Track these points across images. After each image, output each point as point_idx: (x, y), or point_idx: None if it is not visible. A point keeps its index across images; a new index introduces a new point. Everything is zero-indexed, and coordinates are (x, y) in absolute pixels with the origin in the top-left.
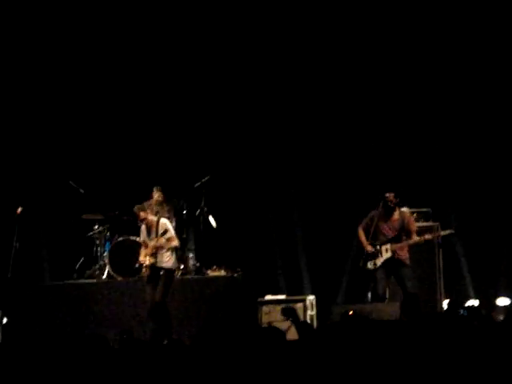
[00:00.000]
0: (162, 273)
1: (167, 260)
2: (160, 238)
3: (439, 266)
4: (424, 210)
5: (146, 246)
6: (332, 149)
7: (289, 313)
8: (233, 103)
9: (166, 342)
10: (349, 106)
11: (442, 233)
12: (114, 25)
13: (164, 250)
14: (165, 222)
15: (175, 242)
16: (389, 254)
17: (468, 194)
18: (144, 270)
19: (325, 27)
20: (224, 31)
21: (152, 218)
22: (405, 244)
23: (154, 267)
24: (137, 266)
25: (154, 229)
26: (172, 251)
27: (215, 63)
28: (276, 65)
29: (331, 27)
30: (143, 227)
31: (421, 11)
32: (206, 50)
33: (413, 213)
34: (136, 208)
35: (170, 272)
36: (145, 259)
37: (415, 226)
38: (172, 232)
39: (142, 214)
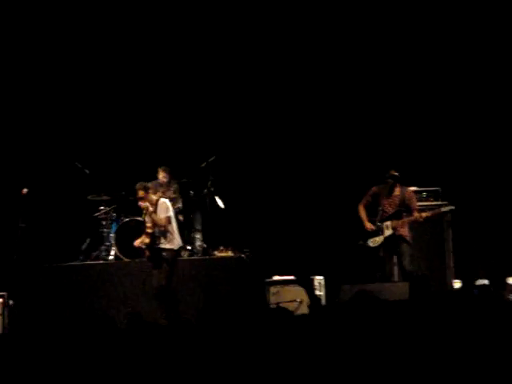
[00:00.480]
0: (164, 254)
1: (167, 240)
2: (154, 216)
3: (449, 244)
4: (433, 188)
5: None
6: (339, 126)
7: (304, 282)
8: (239, 81)
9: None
10: (358, 82)
11: (442, 209)
12: (119, 12)
13: (163, 230)
14: (164, 201)
15: (161, 222)
16: (390, 231)
17: (479, 172)
18: (145, 251)
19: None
20: (231, 19)
21: (152, 196)
22: (405, 221)
23: (153, 248)
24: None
25: (153, 208)
26: (171, 229)
27: (225, 46)
28: (285, 47)
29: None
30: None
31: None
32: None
33: (422, 191)
34: (138, 185)
35: (172, 253)
36: (141, 240)
37: (416, 203)
38: (167, 213)
39: (141, 193)
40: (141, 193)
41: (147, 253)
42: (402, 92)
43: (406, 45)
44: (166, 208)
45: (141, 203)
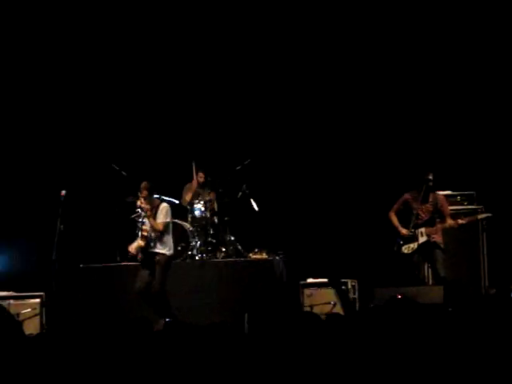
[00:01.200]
0: (157, 259)
1: (162, 245)
2: (151, 221)
3: (483, 249)
4: (468, 192)
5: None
6: (375, 130)
7: (335, 284)
8: (274, 86)
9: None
10: (392, 86)
11: (479, 216)
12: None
13: (159, 234)
14: (165, 206)
15: (157, 227)
16: (424, 238)
17: None
18: (138, 254)
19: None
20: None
21: (154, 200)
22: (439, 228)
23: (147, 252)
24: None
25: (152, 212)
26: (165, 235)
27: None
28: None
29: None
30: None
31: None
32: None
33: (456, 195)
34: (144, 184)
35: (165, 258)
36: (136, 244)
37: (449, 208)
38: (166, 218)
39: (145, 193)
40: (145, 193)
41: (140, 256)
42: (437, 95)
43: (440, 45)
44: (166, 213)
45: (142, 204)
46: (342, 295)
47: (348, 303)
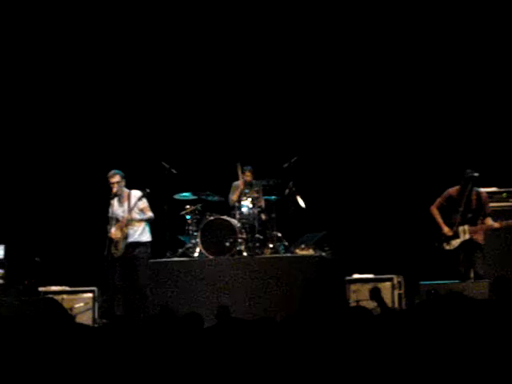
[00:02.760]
0: (136, 251)
1: (141, 233)
2: (132, 212)
3: None
4: None
5: (117, 221)
6: (419, 127)
7: (375, 295)
8: (321, 85)
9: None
10: (434, 84)
11: None
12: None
13: (137, 224)
14: (137, 192)
15: (150, 213)
16: (467, 236)
17: None
18: (115, 245)
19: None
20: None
21: (124, 189)
22: (481, 228)
23: (127, 243)
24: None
25: (125, 201)
26: (146, 224)
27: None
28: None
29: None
30: (114, 201)
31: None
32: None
33: (502, 192)
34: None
35: (145, 248)
36: (115, 234)
37: (490, 208)
38: (146, 203)
39: (115, 179)
40: (123, 182)
41: (120, 248)
42: (479, 91)
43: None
44: (142, 198)
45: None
46: (383, 307)
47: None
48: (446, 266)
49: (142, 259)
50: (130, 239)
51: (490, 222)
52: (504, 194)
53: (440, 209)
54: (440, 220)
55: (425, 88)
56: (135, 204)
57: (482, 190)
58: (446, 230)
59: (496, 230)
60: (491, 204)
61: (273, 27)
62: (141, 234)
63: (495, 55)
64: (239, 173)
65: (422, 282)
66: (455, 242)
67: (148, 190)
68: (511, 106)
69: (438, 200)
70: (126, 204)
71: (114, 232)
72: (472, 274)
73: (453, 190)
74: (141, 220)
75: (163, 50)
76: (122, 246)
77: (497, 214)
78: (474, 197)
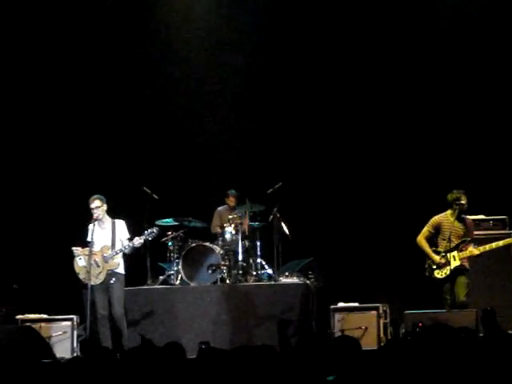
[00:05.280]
0: (113, 280)
1: (118, 264)
2: (115, 243)
3: None
4: (500, 217)
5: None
6: (403, 155)
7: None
8: (306, 111)
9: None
10: (422, 108)
11: (501, 243)
12: None
13: (117, 255)
14: (123, 224)
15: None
16: (457, 262)
17: None
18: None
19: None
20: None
21: (106, 216)
22: (470, 253)
23: (106, 273)
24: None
25: (108, 229)
26: (121, 256)
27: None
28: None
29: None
30: (94, 227)
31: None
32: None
33: (489, 220)
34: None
35: (122, 278)
36: (98, 262)
37: (473, 234)
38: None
39: (96, 204)
40: (105, 207)
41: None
42: (467, 118)
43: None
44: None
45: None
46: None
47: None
48: (430, 295)
49: (119, 288)
50: (110, 269)
51: (471, 248)
52: (491, 222)
53: (427, 237)
54: (429, 249)
55: (407, 118)
56: (137, 240)
57: (469, 217)
58: (436, 258)
59: (477, 256)
60: (478, 232)
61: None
62: (119, 265)
63: (480, 81)
64: (228, 198)
65: (406, 312)
66: (446, 270)
67: (158, 230)
68: (500, 134)
69: (425, 229)
70: (108, 232)
71: (97, 259)
72: (457, 301)
73: (439, 217)
74: (121, 251)
75: (143, 71)
76: (103, 275)
77: (483, 242)
78: (461, 223)
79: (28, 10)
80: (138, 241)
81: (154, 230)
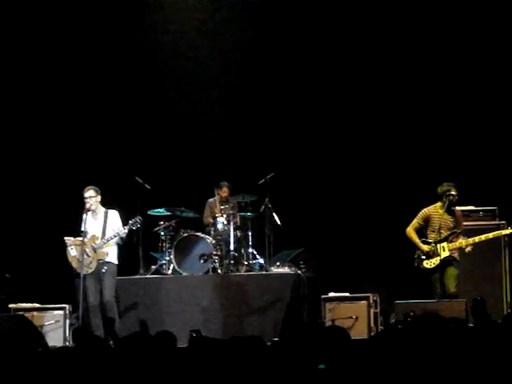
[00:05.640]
0: (105, 269)
1: (111, 253)
2: (106, 233)
3: (505, 266)
4: (490, 208)
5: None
6: (394, 146)
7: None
8: (296, 101)
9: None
10: (416, 99)
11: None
12: None
13: (109, 244)
14: (116, 214)
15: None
16: (446, 253)
17: None
18: (88, 264)
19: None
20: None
21: (100, 206)
22: (456, 245)
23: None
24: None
25: (101, 219)
26: (115, 244)
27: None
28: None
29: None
30: (87, 216)
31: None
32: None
33: (478, 211)
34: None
35: (114, 267)
36: (88, 251)
37: (463, 226)
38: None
39: (89, 193)
40: (99, 198)
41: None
42: (458, 109)
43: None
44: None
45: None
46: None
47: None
48: (420, 285)
49: (110, 278)
50: (102, 258)
51: (461, 240)
52: (481, 213)
53: (417, 229)
54: (417, 240)
55: (397, 108)
56: (121, 230)
57: (458, 208)
58: (424, 248)
59: (466, 247)
60: (467, 222)
61: (250, 42)
62: (111, 255)
63: (476, 78)
64: (220, 188)
65: (397, 301)
66: (435, 260)
67: (141, 219)
68: (491, 125)
69: (415, 221)
70: (101, 222)
71: (87, 250)
72: (447, 292)
73: (428, 209)
74: (113, 241)
75: (135, 62)
76: (94, 264)
77: (473, 233)
78: (451, 214)
79: (28, 9)
80: (123, 231)
81: (137, 220)
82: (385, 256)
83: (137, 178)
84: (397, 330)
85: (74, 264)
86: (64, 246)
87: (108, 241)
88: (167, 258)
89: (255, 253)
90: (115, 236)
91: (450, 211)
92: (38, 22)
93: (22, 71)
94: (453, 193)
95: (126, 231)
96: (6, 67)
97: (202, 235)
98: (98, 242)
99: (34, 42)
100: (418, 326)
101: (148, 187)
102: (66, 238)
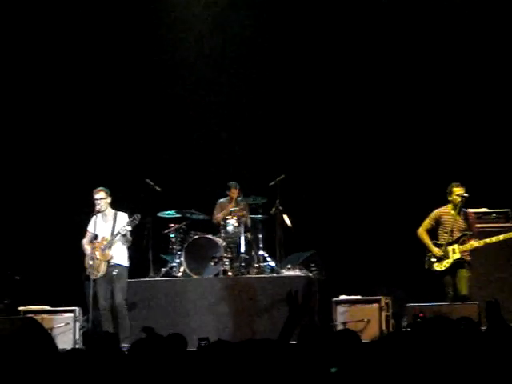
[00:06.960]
0: (116, 272)
1: (120, 255)
2: (115, 235)
3: None
4: (503, 210)
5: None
6: (406, 149)
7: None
8: (308, 103)
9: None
10: (425, 104)
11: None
12: None
13: (117, 245)
14: (125, 216)
15: (130, 238)
16: (457, 255)
17: None
18: (96, 267)
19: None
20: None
21: (109, 208)
22: (468, 247)
23: (108, 265)
24: (90, 263)
25: (110, 221)
26: (125, 246)
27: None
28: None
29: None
30: (97, 218)
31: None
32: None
33: (491, 213)
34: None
35: (124, 269)
36: (97, 254)
37: (475, 227)
38: (131, 228)
39: (100, 195)
40: (109, 199)
41: (104, 268)
42: (471, 112)
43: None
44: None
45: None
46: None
47: None
48: (433, 288)
49: (121, 280)
50: (105, 260)
51: (473, 241)
52: (493, 216)
53: (428, 230)
54: (429, 242)
55: (409, 110)
56: (121, 228)
57: (470, 210)
58: (435, 250)
59: (494, 244)
60: (480, 225)
61: (253, 43)
62: (121, 257)
63: (481, 79)
64: (231, 190)
65: (408, 304)
66: (446, 263)
67: (139, 216)
68: (505, 128)
69: (426, 221)
70: (110, 224)
71: (96, 253)
72: (459, 295)
73: (440, 211)
74: (117, 241)
75: (144, 65)
76: (103, 267)
77: (486, 235)
78: (462, 216)
79: (28, 10)
80: (122, 228)
81: (135, 217)
82: (397, 258)
83: (147, 180)
84: (405, 331)
85: (89, 269)
86: (74, 247)
87: (111, 243)
88: (177, 261)
89: (266, 255)
90: (116, 235)
91: (459, 212)
92: (48, 26)
93: (36, 74)
94: (462, 194)
95: (126, 228)
96: (22, 69)
97: (213, 237)
98: (104, 243)
99: (46, 45)
100: (426, 328)
101: (158, 189)
102: (85, 246)
